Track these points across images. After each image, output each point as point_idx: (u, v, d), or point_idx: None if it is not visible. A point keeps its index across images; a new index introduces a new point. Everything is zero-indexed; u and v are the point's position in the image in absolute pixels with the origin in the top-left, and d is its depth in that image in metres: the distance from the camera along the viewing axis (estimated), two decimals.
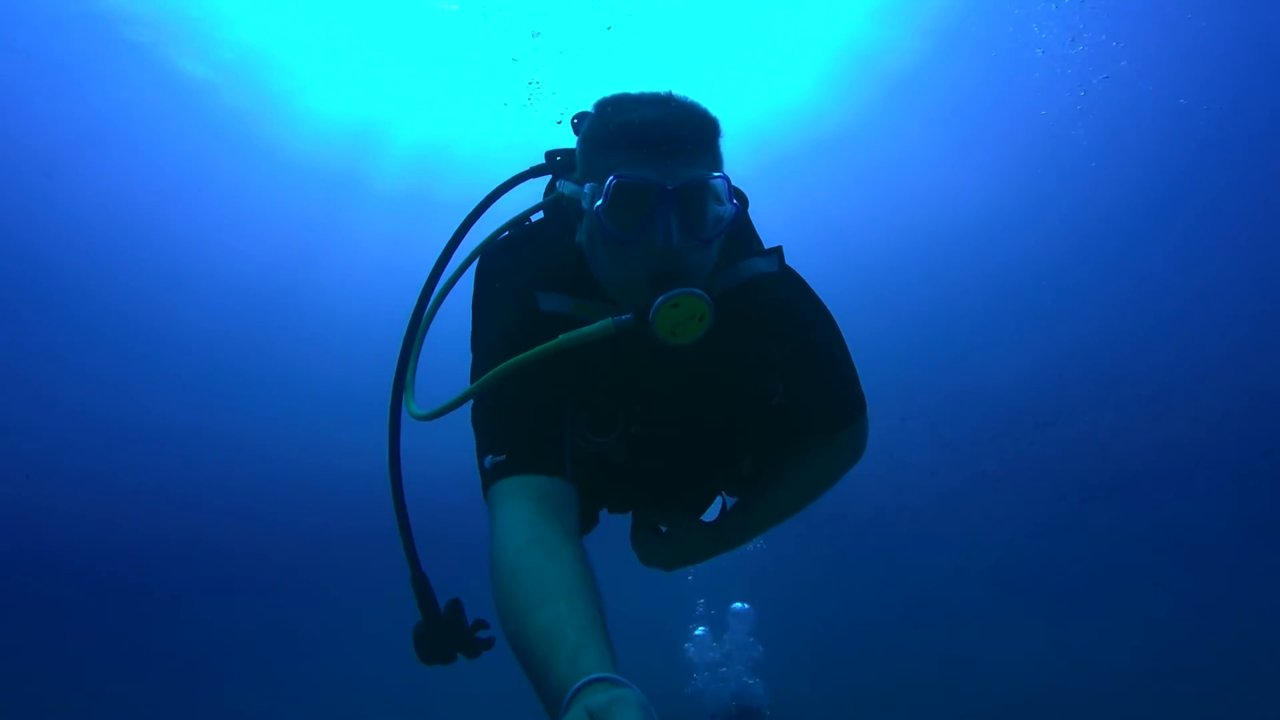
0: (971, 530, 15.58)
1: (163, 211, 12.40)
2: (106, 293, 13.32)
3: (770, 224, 1.86)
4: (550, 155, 1.75)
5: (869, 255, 13.80)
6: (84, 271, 12.98)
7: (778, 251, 1.66)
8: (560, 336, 1.41)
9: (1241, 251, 13.68)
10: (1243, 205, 13.16)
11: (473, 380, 1.51)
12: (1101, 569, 14.49)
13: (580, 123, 1.61)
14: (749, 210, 1.78)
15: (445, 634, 1.55)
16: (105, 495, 15.01)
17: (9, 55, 9.95)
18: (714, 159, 1.48)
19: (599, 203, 1.41)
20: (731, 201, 1.46)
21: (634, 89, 1.53)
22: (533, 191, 1.85)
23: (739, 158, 1.53)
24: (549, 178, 1.80)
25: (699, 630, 11.49)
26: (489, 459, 1.41)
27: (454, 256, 1.70)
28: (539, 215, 1.79)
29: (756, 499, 1.95)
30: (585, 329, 1.41)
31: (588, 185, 1.46)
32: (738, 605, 11.42)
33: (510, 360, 1.40)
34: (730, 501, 2.06)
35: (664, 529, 2.01)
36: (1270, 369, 14.18)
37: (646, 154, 1.40)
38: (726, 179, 1.45)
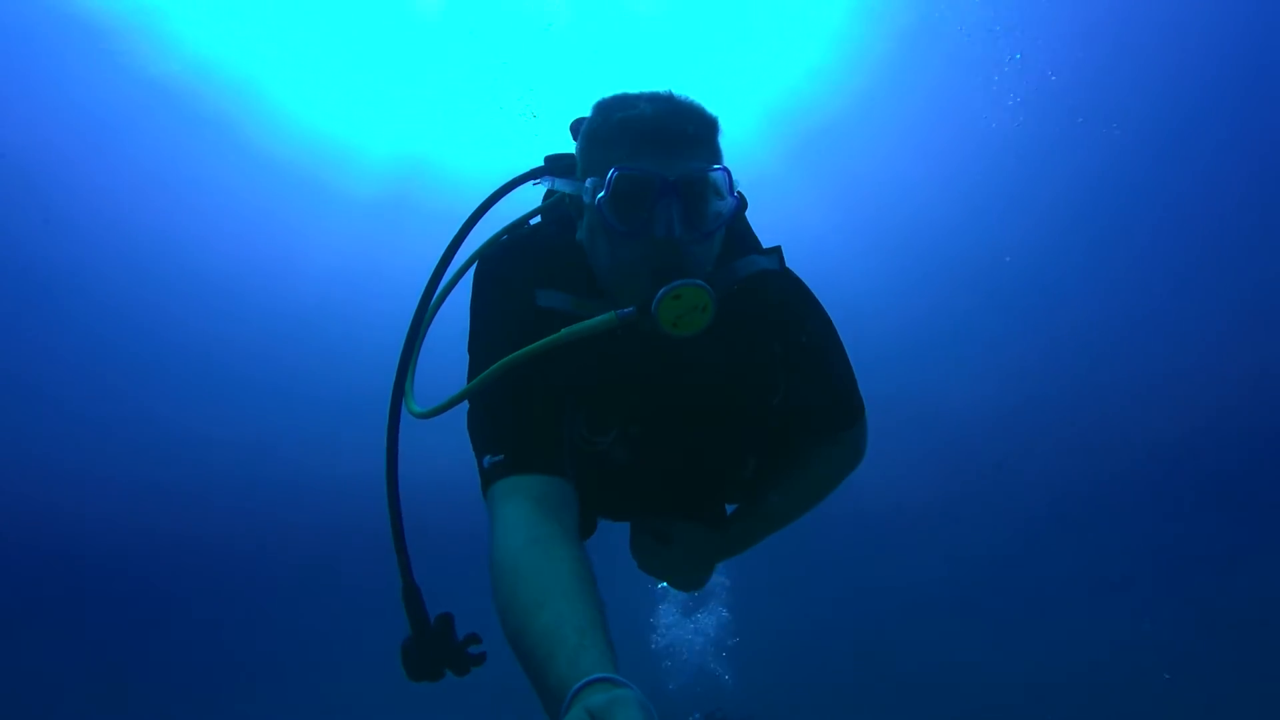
0: (960, 536, 15.54)
1: (164, 218, 12.72)
2: (126, 303, 13.63)
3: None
4: (549, 160, 1.75)
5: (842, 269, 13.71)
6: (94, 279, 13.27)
7: (777, 251, 1.67)
8: (563, 330, 1.41)
9: (1226, 254, 13.68)
10: (1220, 211, 13.20)
11: (470, 381, 1.50)
12: (1088, 576, 14.48)
13: (578, 127, 1.62)
14: (746, 213, 1.78)
15: (434, 649, 1.51)
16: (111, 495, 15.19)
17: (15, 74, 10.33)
18: (714, 154, 1.49)
19: (601, 195, 1.42)
20: (732, 195, 1.46)
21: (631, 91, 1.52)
22: (531, 198, 1.85)
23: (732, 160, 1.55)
24: (546, 185, 1.79)
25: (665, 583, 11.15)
26: (488, 458, 1.41)
27: (455, 260, 1.70)
28: (537, 220, 1.80)
29: (758, 503, 1.95)
30: (588, 322, 1.41)
31: (589, 180, 1.46)
32: None
33: (513, 354, 1.40)
34: (731, 508, 2.06)
35: (666, 535, 2.01)
36: (1257, 367, 14.18)
37: (647, 148, 1.41)
38: (727, 172, 1.46)
